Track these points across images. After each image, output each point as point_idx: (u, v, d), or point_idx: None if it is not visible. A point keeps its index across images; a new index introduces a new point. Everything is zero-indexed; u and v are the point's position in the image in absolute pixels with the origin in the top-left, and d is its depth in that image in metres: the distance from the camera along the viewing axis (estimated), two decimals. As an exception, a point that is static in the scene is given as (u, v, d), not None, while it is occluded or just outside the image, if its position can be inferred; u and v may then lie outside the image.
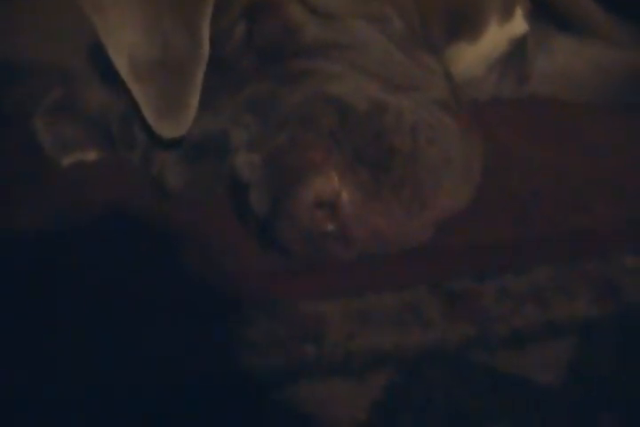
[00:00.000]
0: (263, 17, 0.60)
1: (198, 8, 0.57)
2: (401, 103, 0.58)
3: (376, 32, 0.64)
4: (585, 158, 0.86)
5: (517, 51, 1.03)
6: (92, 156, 0.73)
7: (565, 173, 0.81)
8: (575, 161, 0.85)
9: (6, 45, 1.03)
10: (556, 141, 0.92)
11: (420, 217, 0.57)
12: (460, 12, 0.88)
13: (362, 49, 0.62)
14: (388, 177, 0.55)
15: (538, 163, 0.83)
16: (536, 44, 1.08)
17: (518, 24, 1.00)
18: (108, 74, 0.62)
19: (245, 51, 0.60)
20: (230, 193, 0.60)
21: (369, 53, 0.62)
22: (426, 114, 0.59)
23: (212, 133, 0.60)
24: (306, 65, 0.60)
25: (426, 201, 0.57)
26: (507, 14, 0.97)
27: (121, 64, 0.58)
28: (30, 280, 0.66)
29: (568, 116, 1.02)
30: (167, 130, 0.58)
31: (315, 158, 0.54)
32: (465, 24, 0.89)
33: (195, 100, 0.57)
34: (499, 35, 0.96)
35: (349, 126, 0.55)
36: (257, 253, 0.59)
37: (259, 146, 0.56)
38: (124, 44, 0.58)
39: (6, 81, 0.88)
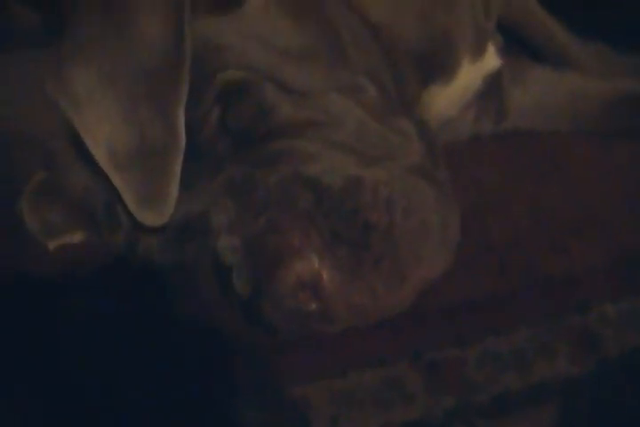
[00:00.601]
0: (236, 100, 0.61)
1: (172, 98, 0.59)
2: (376, 177, 0.60)
3: (350, 103, 0.65)
4: (565, 196, 0.87)
5: (493, 86, 1.04)
6: (77, 238, 0.74)
7: (545, 216, 0.82)
8: (555, 201, 0.86)
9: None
10: (535, 179, 0.94)
11: (401, 289, 0.59)
12: (432, 55, 0.89)
13: (336, 124, 0.63)
14: (366, 253, 0.57)
15: (517, 206, 0.84)
16: (511, 77, 1.09)
17: (491, 60, 1.01)
18: (89, 157, 0.63)
19: (221, 134, 0.62)
20: (214, 274, 0.61)
21: (343, 128, 0.64)
22: (401, 184, 0.61)
23: (193, 216, 0.61)
24: (281, 146, 0.61)
25: (405, 273, 0.58)
26: (479, 51, 0.97)
27: (100, 155, 0.60)
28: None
29: (547, 148, 1.03)
30: (149, 219, 0.59)
31: (293, 242, 0.55)
32: (437, 67, 0.90)
33: (174, 189, 0.58)
34: (472, 73, 0.97)
35: (326, 207, 0.57)
36: (241, 330, 0.60)
37: (239, 230, 0.58)
38: (103, 137, 0.59)
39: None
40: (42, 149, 0.77)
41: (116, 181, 0.60)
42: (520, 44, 1.16)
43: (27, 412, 0.65)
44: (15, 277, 0.73)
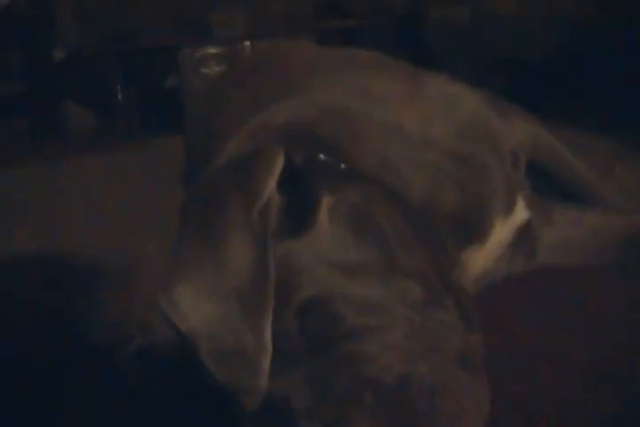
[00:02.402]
0: (311, 314, 0.77)
1: (260, 314, 0.75)
2: (421, 372, 0.75)
3: (400, 305, 0.80)
4: (584, 347, 1.00)
5: (522, 233, 1.17)
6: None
7: (566, 372, 0.95)
8: (573, 346, 1.00)
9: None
10: (557, 320, 1.08)
11: None
12: (468, 220, 1.03)
13: (389, 326, 0.78)
14: None
15: (542, 361, 0.98)
16: (539, 218, 1.22)
17: (520, 214, 1.14)
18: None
19: (299, 339, 0.77)
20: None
21: (395, 329, 0.78)
22: (441, 375, 0.75)
23: (275, 398, 0.76)
24: (347, 349, 0.76)
25: None
26: (510, 208, 1.11)
27: (202, 353, 0.75)
28: None
29: (571, 285, 1.17)
30: (242, 402, 0.75)
31: None
32: (473, 231, 1.04)
33: (264, 382, 0.74)
34: (505, 230, 1.10)
35: (384, 400, 0.73)
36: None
37: (317, 417, 0.73)
38: (203, 338, 0.75)
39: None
40: (140, 319, 0.93)
41: (214, 371, 0.75)
42: (546, 185, 1.29)
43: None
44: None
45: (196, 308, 0.76)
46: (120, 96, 2.71)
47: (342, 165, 0.90)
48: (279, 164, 0.80)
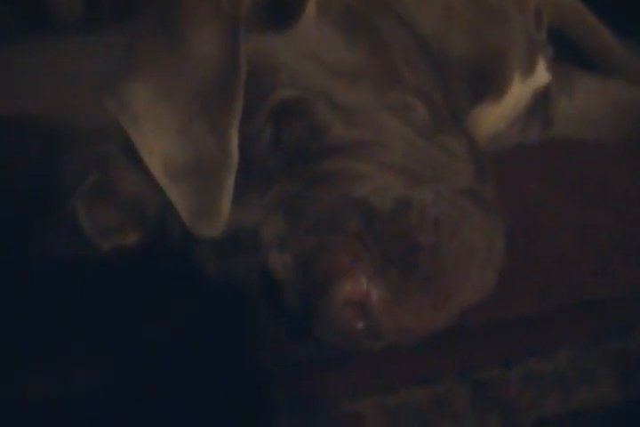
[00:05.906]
0: (290, 118, 0.62)
1: (227, 115, 0.60)
2: (424, 198, 0.60)
3: (399, 123, 0.66)
4: (609, 212, 0.87)
5: (541, 98, 1.04)
6: (131, 240, 0.75)
7: (590, 233, 0.82)
8: (600, 216, 0.86)
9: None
10: (579, 191, 0.93)
11: (446, 308, 0.59)
12: (483, 71, 0.90)
13: (385, 144, 0.64)
14: (414, 273, 0.57)
15: (562, 222, 0.84)
16: (558, 86, 1.09)
17: (541, 76, 1.01)
18: (143, 163, 0.64)
19: (273, 151, 0.63)
20: (263, 288, 0.62)
21: (392, 147, 0.64)
22: (448, 206, 0.61)
23: (243, 229, 0.63)
24: (332, 165, 0.62)
25: (451, 293, 0.59)
26: (530, 67, 0.98)
27: (155, 167, 0.61)
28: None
29: (592, 159, 1.03)
30: (202, 230, 0.61)
31: (343, 262, 0.56)
32: (489, 84, 0.91)
33: (227, 203, 0.60)
34: (522, 90, 0.97)
35: (375, 228, 0.58)
36: (286, 346, 0.61)
37: (289, 247, 0.59)
38: (158, 150, 0.61)
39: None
40: (96, 150, 0.78)
41: (170, 192, 0.61)
42: (568, 49, 1.16)
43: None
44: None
45: (150, 108, 0.62)
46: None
47: None
48: None
